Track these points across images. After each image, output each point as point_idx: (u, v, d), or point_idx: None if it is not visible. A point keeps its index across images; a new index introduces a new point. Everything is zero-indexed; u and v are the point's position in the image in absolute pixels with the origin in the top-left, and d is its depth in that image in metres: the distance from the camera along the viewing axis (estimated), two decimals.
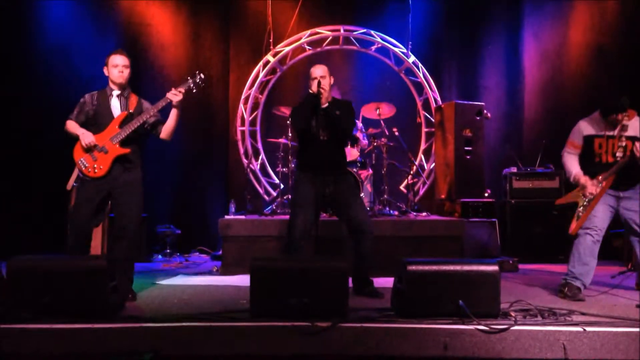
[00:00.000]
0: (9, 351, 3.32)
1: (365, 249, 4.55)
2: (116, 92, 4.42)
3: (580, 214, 4.49)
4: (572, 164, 4.64)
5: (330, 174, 4.59)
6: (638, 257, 4.63)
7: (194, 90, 4.45)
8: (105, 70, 4.43)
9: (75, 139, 4.31)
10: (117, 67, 4.37)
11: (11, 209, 5.87)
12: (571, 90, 7.63)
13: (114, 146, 4.28)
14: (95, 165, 4.26)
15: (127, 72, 4.41)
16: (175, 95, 4.31)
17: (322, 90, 4.48)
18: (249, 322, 3.46)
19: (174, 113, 4.40)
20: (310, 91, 4.50)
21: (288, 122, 6.83)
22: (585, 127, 4.61)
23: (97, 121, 4.36)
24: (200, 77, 4.45)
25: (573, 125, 4.72)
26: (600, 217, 4.50)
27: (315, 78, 4.52)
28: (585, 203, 4.49)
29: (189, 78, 4.45)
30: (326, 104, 4.58)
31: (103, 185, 4.29)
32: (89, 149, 4.25)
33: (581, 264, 4.47)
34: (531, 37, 8.04)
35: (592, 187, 4.46)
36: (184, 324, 3.44)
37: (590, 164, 4.57)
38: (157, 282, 5.25)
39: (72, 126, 4.35)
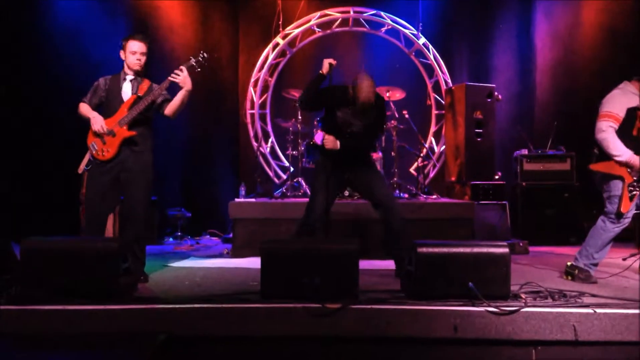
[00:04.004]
0: (22, 332, 3.36)
1: (397, 223, 4.51)
2: (130, 77, 4.40)
3: (635, 192, 4.24)
4: (620, 142, 4.23)
5: (351, 159, 4.60)
6: None
7: (198, 69, 4.44)
8: (121, 54, 4.39)
9: (88, 121, 4.30)
10: (135, 54, 4.34)
11: (23, 191, 5.89)
12: (583, 71, 7.54)
13: (121, 129, 4.28)
14: (104, 148, 4.27)
15: (143, 59, 4.38)
16: (175, 77, 4.29)
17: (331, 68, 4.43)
18: (259, 304, 3.48)
19: (180, 93, 4.37)
20: (320, 72, 4.48)
21: (297, 104, 6.81)
22: (628, 98, 4.29)
23: (108, 105, 4.37)
24: (203, 56, 4.44)
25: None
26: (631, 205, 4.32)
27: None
28: (635, 183, 4.22)
29: (191, 57, 4.45)
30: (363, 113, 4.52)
31: (112, 168, 4.31)
32: (99, 133, 4.26)
33: (602, 251, 4.38)
34: (543, 17, 7.93)
35: None
36: (195, 305, 3.46)
37: (628, 139, 4.24)
38: (169, 265, 5.29)
39: (84, 109, 4.35)
